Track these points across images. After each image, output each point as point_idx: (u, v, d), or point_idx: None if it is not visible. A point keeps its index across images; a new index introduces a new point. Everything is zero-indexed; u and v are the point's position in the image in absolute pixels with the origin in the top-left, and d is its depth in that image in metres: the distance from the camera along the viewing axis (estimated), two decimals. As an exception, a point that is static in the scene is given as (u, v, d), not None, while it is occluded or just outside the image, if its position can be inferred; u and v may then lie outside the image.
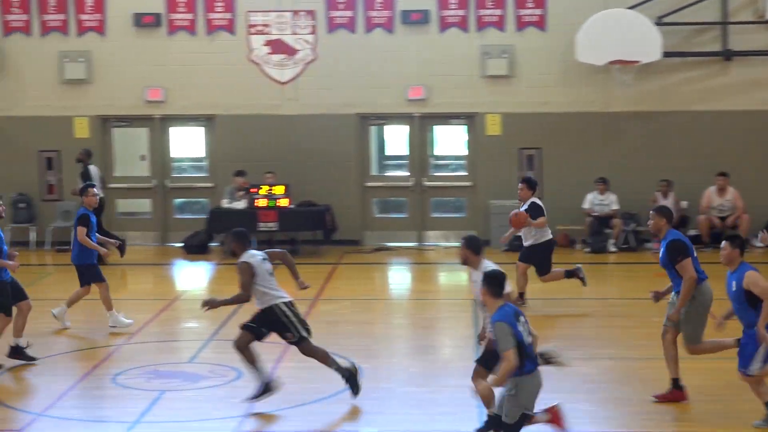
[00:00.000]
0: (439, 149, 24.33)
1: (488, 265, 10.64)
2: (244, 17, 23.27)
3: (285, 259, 12.29)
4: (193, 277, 21.24)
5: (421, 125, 23.65)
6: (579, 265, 17.09)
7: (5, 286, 13.55)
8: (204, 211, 23.27)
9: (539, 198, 16.98)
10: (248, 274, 11.71)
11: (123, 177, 24.02)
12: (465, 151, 23.99)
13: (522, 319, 9.73)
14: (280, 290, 11.90)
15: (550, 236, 16.87)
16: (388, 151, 24.78)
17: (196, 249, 22.56)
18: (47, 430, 11.36)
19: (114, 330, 15.50)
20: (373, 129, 24.00)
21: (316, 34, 23.26)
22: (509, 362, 9.43)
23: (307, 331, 12.00)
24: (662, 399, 11.97)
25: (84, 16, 23.41)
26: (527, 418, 9.82)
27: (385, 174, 24.11)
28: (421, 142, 23.77)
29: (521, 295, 16.74)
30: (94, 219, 15.75)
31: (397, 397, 12.38)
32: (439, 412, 11.73)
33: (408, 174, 23.72)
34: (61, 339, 15.16)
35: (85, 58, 23.30)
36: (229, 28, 23.33)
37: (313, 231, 22.60)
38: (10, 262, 13.44)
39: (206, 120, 23.67)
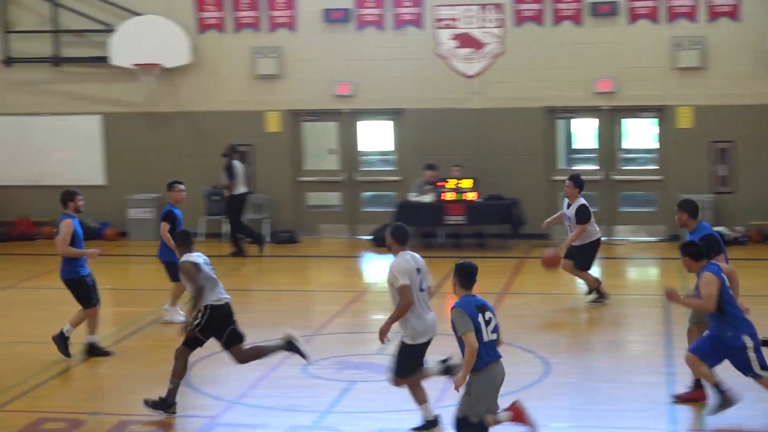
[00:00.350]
0: (628, 143, 23.97)
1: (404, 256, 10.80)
2: (431, 11, 23.34)
3: None
4: (381, 269, 21.38)
5: (610, 118, 23.34)
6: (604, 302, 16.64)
7: (83, 280, 13.89)
8: (392, 204, 23.44)
9: (584, 197, 16.63)
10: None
11: (313, 170, 24.38)
12: (655, 145, 23.59)
13: (488, 314, 9.71)
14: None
15: (598, 236, 16.53)
16: (575, 145, 24.56)
17: (384, 242, 22.67)
18: (240, 418, 11.61)
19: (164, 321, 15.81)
20: (560, 122, 23.80)
21: (504, 27, 23.18)
22: (468, 346, 9.49)
23: None
24: (682, 398, 11.67)
25: (276, 13, 23.82)
26: (478, 423, 9.70)
27: (573, 168, 23.88)
28: (609, 135, 23.46)
29: (598, 290, 16.57)
30: (179, 215, 15.78)
31: (584, 392, 12.28)
32: (626, 408, 11.59)
33: (597, 168, 23.44)
34: (250, 329, 15.44)
35: (277, 53, 23.73)
36: (417, 22, 23.44)
37: (500, 225, 22.54)
38: (90, 250, 13.91)
39: (394, 114, 23.84)
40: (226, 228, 23.12)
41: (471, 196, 21.99)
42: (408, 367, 10.84)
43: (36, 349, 14.63)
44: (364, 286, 19.77)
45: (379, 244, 22.67)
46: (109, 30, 23.74)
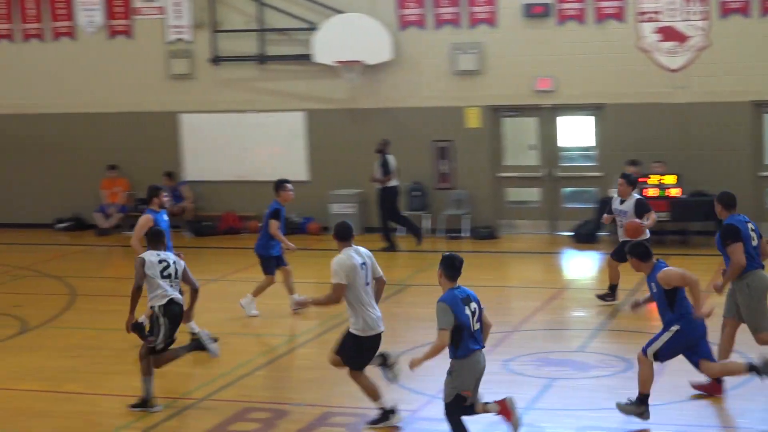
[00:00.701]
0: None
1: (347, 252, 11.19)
2: (633, 5, 22.98)
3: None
4: (581, 266, 21.21)
5: (821, 111, 22.60)
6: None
7: None
8: (593, 201, 23.17)
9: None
10: None
11: (513, 166, 24.29)
12: None
13: (473, 305, 10.12)
14: None
15: (648, 234, 16.17)
16: (784, 140, 23.83)
17: (585, 238, 22.55)
18: (440, 413, 11.64)
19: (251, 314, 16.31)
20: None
21: (709, 20, 22.65)
22: (439, 341, 10.01)
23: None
24: (699, 388, 11.69)
25: (476, 9, 23.83)
26: (463, 400, 10.25)
27: (784, 163, 23.18)
28: (821, 128, 22.71)
29: (613, 288, 16.36)
30: (284, 213, 16.32)
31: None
32: None
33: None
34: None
35: (477, 49, 23.73)
36: (619, 16, 23.11)
37: (704, 222, 22.03)
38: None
39: (595, 109, 23.57)
40: (426, 223, 23.30)
41: (674, 192, 21.60)
42: (358, 360, 11.23)
43: (243, 340, 15.02)
44: (564, 283, 19.62)
45: (580, 240, 22.49)
46: (312, 28, 24.15)
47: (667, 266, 11.09)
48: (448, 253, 10.37)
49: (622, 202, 16.42)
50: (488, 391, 12.19)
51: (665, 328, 11.08)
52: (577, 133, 24.24)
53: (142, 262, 12.07)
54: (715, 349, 11.68)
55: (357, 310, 11.06)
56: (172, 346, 12.17)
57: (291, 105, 24.80)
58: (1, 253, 21.25)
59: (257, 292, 16.41)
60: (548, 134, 24.01)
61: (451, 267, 10.24)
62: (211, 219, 24.84)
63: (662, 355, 11.08)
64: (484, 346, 10.29)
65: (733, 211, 12.29)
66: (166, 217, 14.64)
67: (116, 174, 25.57)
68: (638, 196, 16.52)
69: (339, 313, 16.49)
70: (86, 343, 15.16)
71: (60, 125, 26.05)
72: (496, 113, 24.09)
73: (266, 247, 16.31)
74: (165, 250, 12.48)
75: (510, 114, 24.19)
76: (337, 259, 11.15)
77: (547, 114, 23.86)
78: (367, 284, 11.11)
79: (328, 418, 11.59)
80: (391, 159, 22.41)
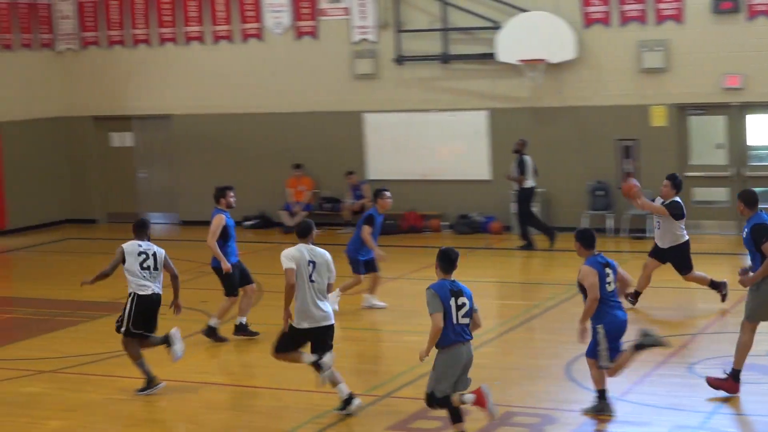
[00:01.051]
0: None
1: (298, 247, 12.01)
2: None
3: None
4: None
5: None
6: (725, 281, 16.26)
7: (234, 270, 15.13)
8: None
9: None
10: None
11: (699, 165, 23.77)
12: None
13: (462, 299, 10.47)
14: None
15: (687, 237, 16.23)
16: None
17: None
18: (623, 414, 11.51)
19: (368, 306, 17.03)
20: None
21: None
22: (434, 325, 10.39)
23: None
24: (714, 383, 11.76)
25: (662, 6, 23.40)
26: (442, 395, 10.50)
27: None
28: None
29: (637, 294, 16.09)
30: (380, 221, 16.72)
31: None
32: None
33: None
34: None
35: (663, 46, 23.31)
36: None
37: None
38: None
39: (790, 106, 22.90)
40: (609, 223, 23.03)
41: None
42: (282, 344, 11.94)
43: (421, 338, 15.09)
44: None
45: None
46: (496, 27, 24.09)
47: (590, 261, 11.50)
48: (444, 247, 10.82)
49: (663, 203, 16.14)
50: (671, 394, 12.03)
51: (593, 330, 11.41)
52: (767, 131, 23.59)
53: (121, 252, 13.02)
54: None
55: (296, 300, 11.78)
56: (155, 335, 13.11)
57: (474, 104, 24.79)
58: (191, 250, 21.79)
59: (345, 289, 16.96)
60: (737, 133, 23.41)
61: (446, 260, 10.67)
62: (393, 218, 25.00)
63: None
64: (470, 338, 10.59)
65: (756, 209, 12.19)
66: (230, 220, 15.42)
67: (301, 173, 25.96)
68: (677, 199, 16.17)
69: (520, 313, 16.51)
70: (272, 339, 15.44)
71: (247, 125, 26.61)
72: (682, 112, 23.61)
73: (357, 250, 16.81)
74: (149, 241, 13.29)
75: (697, 112, 23.67)
76: (285, 251, 11.93)
77: (735, 112, 23.27)
78: (312, 281, 11.77)
79: (510, 417, 11.54)
80: (528, 159, 22.38)
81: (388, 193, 16.97)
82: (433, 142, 25.15)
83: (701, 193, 23.76)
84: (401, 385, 12.99)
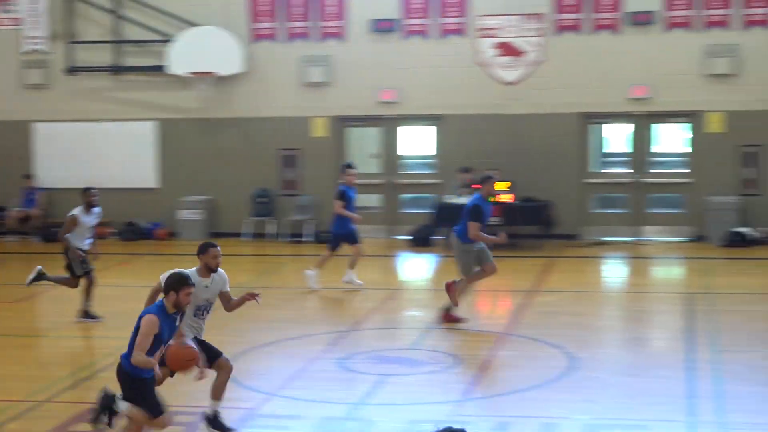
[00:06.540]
0: (659, 147, 23.81)
1: None
2: (474, 22, 23.28)
3: None
4: (417, 268, 21.39)
5: (643, 123, 23.21)
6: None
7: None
8: (430, 206, 23.36)
9: None
10: None
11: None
12: (686, 149, 23.42)
13: None
14: None
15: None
16: (608, 149, 24.41)
17: (421, 242, 22.76)
18: (277, 409, 11.61)
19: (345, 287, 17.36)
20: (593, 127, 23.66)
21: (544, 36, 23.07)
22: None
23: None
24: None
25: (325, 23, 23.88)
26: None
27: (603, 171, 23.75)
28: (642, 139, 23.33)
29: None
30: (351, 194, 17.50)
31: (609, 386, 12.18)
32: (649, 401, 11.47)
33: (630, 171, 23.32)
34: (291, 324, 15.49)
35: (326, 62, 23.76)
36: (461, 32, 23.40)
37: (534, 225, 22.45)
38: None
39: (435, 119, 23.81)
40: (271, 228, 23.35)
41: (506, 198, 21.93)
42: None
43: (83, 343, 14.71)
44: (399, 284, 19.75)
45: (417, 244, 22.68)
46: (167, 40, 23.90)
47: None
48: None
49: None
50: (322, 387, 12.24)
51: None
52: (417, 142, 24.46)
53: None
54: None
55: None
56: None
57: (144, 114, 24.53)
58: None
59: (352, 265, 17.64)
60: (390, 143, 24.17)
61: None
62: (60, 226, 24.31)
63: None
64: None
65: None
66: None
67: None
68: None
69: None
70: None
71: None
72: (341, 123, 24.16)
73: (341, 225, 17.51)
74: None
75: (355, 124, 24.29)
76: None
77: (389, 124, 24.01)
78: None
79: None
80: None
81: (352, 169, 17.73)
82: (102, 151, 24.67)
83: (359, 200, 24.31)
84: (62, 390, 12.63)
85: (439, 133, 23.89)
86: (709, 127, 22.65)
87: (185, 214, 23.92)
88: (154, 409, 9.20)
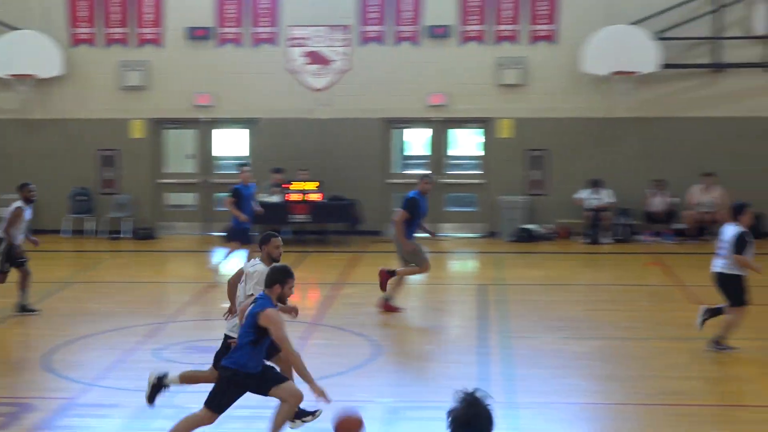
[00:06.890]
0: (455, 150, 24.27)
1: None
2: (285, 31, 23.26)
3: None
4: (229, 263, 21.20)
5: (440, 128, 23.61)
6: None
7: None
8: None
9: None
10: None
11: (172, 173, 24.08)
12: (479, 152, 23.94)
13: None
14: None
15: None
16: (409, 152, 24.75)
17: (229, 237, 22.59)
18: (97, 398, 11.37)
19: None
20: (395, 132, 23.96)
21: (350, 46, 23.22)
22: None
23: None
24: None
25: (143, 30, 23.47)
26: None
27: (405, 172, 24.08)
28: (439, 143, 23.74)
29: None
30: (244, 191, 17.50)
31: (410, 371, 12.35)
32: (446, 384, 11.65)
33: (428, 172, 23.65)
34: (109, 317, 15.18)
35: (143, 67, 23.37)
36: (272, 40, 23.34)
37: (341, 223, 22.58)
38: None
39: (249, 123, 23.70)
40: (90, 225, 22.83)
41: (315, 197, 22.00)
42: None
43: None
44: (213, 278, 19.56)
45: (229, 239, 22.50)
46: (-13, 43, 23.09)
47: None
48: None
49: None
50: (140, 377, 12.03)
51: None
52: (232, 143, 24.30)
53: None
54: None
55: None
56: None
57: (-37, 115, 23.61)
58: None
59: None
60: (205, 145, 23.95)
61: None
62: None
63: None
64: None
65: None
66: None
67: None
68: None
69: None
70: None
71: None
72: (158, 125, 23.80)
73: (237, 221, 17.39)
74: None
75: (172, 126, 23.97)
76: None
77: (205, 127, 23.78)
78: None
79: (-15, 407, 11.00)
80: None
81: (246, 168, 17.90)
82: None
83: (174, 198, 24.11)
84: None
85: (252, 135, 23.79)
86: (499, 133, 23.20)
87: (4, 212, 23.06)
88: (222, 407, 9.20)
